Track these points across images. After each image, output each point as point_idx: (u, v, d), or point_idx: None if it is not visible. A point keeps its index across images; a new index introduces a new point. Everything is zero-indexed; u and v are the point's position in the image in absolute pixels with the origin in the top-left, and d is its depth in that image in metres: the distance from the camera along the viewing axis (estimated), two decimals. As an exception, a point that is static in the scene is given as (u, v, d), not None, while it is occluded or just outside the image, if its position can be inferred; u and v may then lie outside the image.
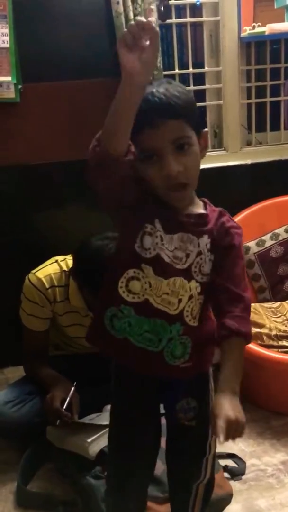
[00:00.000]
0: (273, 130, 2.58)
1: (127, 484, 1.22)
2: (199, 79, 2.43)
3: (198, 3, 2.31)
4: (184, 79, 2.43)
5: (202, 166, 1.07)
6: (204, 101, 2.45)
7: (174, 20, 2.31)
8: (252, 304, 2.18)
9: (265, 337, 1.99)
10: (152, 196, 1.05)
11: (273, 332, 2.00)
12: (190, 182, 1.02)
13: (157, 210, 1.05)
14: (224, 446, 1.68)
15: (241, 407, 1.02)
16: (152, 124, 0.97)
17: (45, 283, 1.73)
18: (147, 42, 0.89)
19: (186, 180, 1.01)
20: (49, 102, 2.18)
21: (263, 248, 2.32)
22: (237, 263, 1.08)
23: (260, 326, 2.02)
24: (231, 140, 2.47)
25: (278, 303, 2.23)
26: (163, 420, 1.23)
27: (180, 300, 1.06)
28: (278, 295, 2.33)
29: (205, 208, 1.10)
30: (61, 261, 1.79)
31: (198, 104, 2.41)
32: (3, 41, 2.01)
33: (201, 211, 1.09)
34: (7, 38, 2.01)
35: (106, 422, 1.60)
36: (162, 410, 1.22)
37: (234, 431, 0.96)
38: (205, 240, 1.06)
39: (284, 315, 2.13)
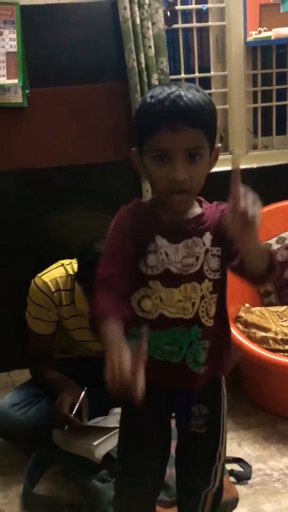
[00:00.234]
0: (279, 134, 2.58)
1: (137, 491, 1.21)
2: (205, 83, 2.43)
3: (204, 8, 2.32)
4: (190, 84, 2.44)
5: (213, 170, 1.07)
6: (210, 105, 2.45)
7: (180, 25, 2.31)
8: (258, 308, 2.19)
9: (271, 341, 1.98)
10: (148, 212, 1.06)
11: (279, 336, 2.00)
12: (192, 190, 1.02)
13: (156, 226, 1.05)
14: (230, 451, 1.68)
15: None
16: (173, 128, 0.95)
17: (51, 286, 1.74)
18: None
19: (189, 188, 1.01)
20: (56, 107, 2.19)
21: (269, 252, 2.31)
22: None
23: (266, 330, 2.02)
24: (237, 144, 2.48)
25: (284, 307, 2.22)
26: (173, 423, 1.23)
27: (193, 303, 1.06)
28: (284, 299, 2.32)
29: (201, 206, 1.10)
30: (67, 264, 1.79)
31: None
32: (11, 46, 2.03)
33: (198, 211, 1.08)
34: (14, 43, 2.03)
35: (112, 425, 1.61)
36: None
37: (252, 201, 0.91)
38: (207, 236, 1.06)
39: (290, 319, 2.13)
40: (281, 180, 2.46)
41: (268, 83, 2.51)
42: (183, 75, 2.37)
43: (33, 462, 1.73)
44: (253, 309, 2.15)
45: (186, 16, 2.37)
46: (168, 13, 2.19)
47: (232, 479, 1.65)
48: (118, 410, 1.68)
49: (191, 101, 0.95)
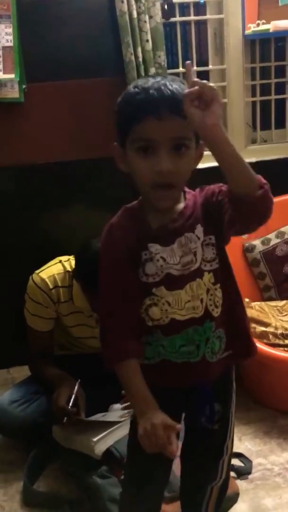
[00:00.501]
0: (278, 128, 2.57)
1: (144, 490, 1.20)
2: (204, 77, 2.42)
3: (202, 1, 2.30)
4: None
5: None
6: (208, 99, 2.44)
7: (178, 18, 2.30)
8: (258, 303, 2.18)
9: (271, 336, 1.98)
10: (136, 220, 1.04)
11: (279, 331, 2.00)
12: (177, 184, 0.99)
13: (145, 233, 1.03)
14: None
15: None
16: (158, 115, 0.93)
17: (49, 283, 1.73)
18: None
19: (174, 182, 0.98)
20: (53, 102, 2.18)
21: (268, 246, 2.31)
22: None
23: (266, 325, 2.02)
24: (236, 138, 2.46)
25: (284, 301, 2.22)
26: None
27: (202, 300, 1.04)
28: (284, 293, 2.32)
29: (185, 198, 1.06)
30: (65, 261, 1.79)
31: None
32: (7, 40, 2.02)
33: (181, 205, 1.05)
34: (10, 37, 2.02)
35: (112, 420, 1.61)
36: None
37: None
38: (199, 229, 1.03)
39: (290, 313, 2.12)
40: (280, 174, 2.44)
41: (267, 77, 2.49)
42: (181, 69, 2.35)
43: (33, 459, 1.73)
44: (253, 304, 2.14)
45: (184, 9, 2.35)
46: (166, 6, 2.17)
47: (232, 474, 1.64)
48: (118, 406, 1.69)
49: (176, 89, 0.94)
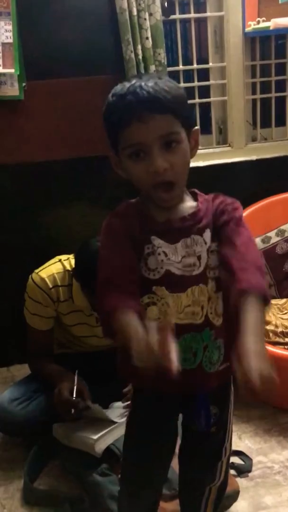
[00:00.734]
0: (278, 125, 2.57)
1: (142, 488, 1.20)
2: (204, 75, 2.41)
3: (202, -2, 2.30)
4: (188, 75, 2.42)
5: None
6: (208, 97, 2.43)
7: (178, 16, 2.29)
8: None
9: (271, 334, 1.98)
10: (140, 213, 1.02)
11: (279, 329, 2.00)
12: (177, 181, 0.98)
13: (150, 226, 1.02)
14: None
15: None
16: (140, 118, 0.92)
17: (48, 282, 1.73)
18: None
19: (173, 179, 0.97)
20: (52, 100, 2.17)
21: (268, 244, 2.31)
22: (239, 231, 1.00)
23: (266, 323, 2.02)
24: (236, 136, 2.46)
25: (284, 299, 2.22)
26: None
27: (202, 307, 1.02)
28: (284, 291, 2.32)
29: (196, 200, 1.05)
30: (64, 260, 1.78)
31: (203, 100, 2.42)
32: (7, 37, 2.01)
33: (193, 206, 1.04)
34: (10, 34, 2.01)
35: (113, 418, 1.62)
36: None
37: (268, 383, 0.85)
38: (208, 234, 1.02)
39: (290, 311, 2.12)
40: (281, 172, 2.45)
41: (267, 74, 2.49)
42: (181, 67, 2.35)
43: (33, 457, 1.73)
44: (253, 302, 2.14)
45: (184, 6, 2.35)
46: (166, 4, 2.17)
47: (232, 472, 1.65)
48: (118, 404, 1.69)
49: (153, 88, 0.93)
